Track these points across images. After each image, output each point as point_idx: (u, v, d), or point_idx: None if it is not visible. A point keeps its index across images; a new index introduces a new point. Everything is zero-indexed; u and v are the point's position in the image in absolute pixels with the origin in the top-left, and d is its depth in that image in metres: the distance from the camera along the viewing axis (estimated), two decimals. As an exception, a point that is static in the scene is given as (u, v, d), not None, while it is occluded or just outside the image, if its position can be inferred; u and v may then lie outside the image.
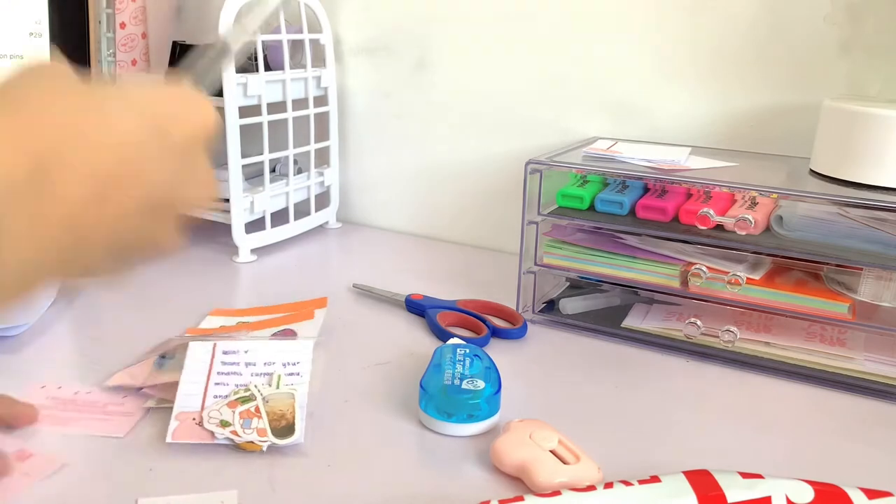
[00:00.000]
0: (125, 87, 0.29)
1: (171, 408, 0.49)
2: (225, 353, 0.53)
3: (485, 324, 0.66)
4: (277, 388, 0.50)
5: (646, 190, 0.66)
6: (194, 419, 0.48)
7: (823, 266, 0.62)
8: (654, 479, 0.41)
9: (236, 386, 0.51)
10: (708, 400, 0.57)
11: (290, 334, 0.61)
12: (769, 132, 0.75)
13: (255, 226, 0.84)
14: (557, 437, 0.47)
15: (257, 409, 0.48)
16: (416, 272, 0.81)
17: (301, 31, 0.86)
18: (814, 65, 0.71)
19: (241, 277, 0.80)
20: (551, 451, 0.46)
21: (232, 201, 0.81)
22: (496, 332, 0.66)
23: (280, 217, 0.87)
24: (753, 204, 0.62)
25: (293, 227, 0.89)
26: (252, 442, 0.46)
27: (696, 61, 0.76)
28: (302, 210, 0.91)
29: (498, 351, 0.62)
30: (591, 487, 0.41)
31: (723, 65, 0.75)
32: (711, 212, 0.61)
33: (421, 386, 0.52)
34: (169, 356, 0.55)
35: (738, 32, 0.74)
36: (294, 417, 0.48)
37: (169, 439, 0.47)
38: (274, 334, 0.61)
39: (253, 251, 0.84)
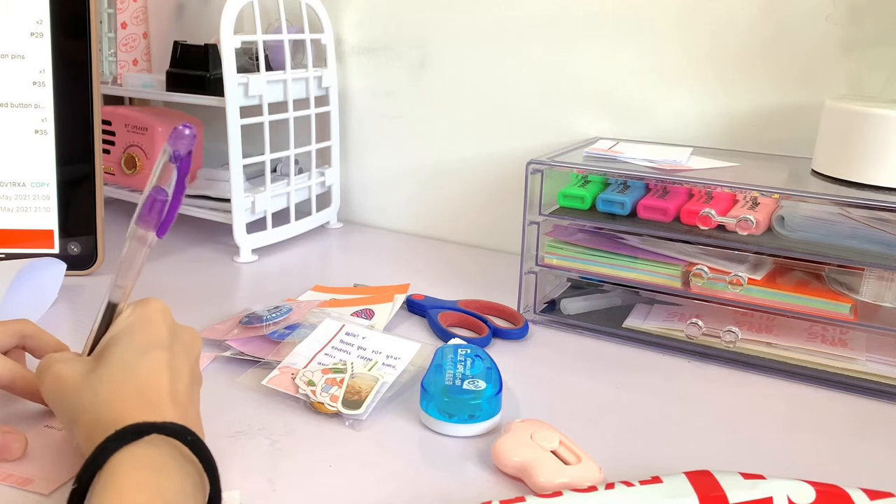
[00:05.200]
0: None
1: (244, 359, 0.59)
2: (347, 334, 0.61)
3: (486, 324, 0.66)
4: (369, 371, 0.56)
5: (647, 190, 0.66)
6: (292, 374, 0.55)
7: (825, 266, 0.62)
8: (656, 479, 0.41)
9: (340, 361, 0.57)
10: (709, 400, 0.57)
11: (369, 314, 0.67)
12: (771, 132, 0.74)
13: (256, 226, 0.84)
14: (558, 437, 0.47)
15: (341, 381, 0.54)
16: (417, 272, 0.81)
17: (302, 31, 0.86)
18: (816, 64, 0.71)
19: (242, 277, 0.80)
20: (552, 452, 0.46)
21: (233, 201, 0.81)
22: (497, 333, 0.66)
23: (281, 217, 0.87)
24: (755, 204, 0.62)
25: (294, 228, 0.89)
26: (323, 403, 0.52)
27: (698, 61, 0.76)
28: (303, 210, 0.91)
29: (499, 351, 0.62)
30: (593, 488, 0.41)
31: (724, 65, 0.75)
32: (713, 212, 0.61)
33: (422, 386, 0.52)
34: (295, 328, 0.62)
35: (739, 32, 0.74)
36: (367, 396, 0.53)
37: (265, 383, 0.55)
38: (355, 312, 0.67)
39: (254, 251, 0.84)
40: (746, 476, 0.41)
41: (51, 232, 0.75)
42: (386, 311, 0.68)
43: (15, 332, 0.51)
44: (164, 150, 0.43)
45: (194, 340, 0.48)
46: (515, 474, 0.46)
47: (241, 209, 0.82)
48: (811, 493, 0.40)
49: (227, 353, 0.60)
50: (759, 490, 0.40)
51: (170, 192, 0.44)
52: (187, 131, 0.43)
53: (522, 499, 0.40)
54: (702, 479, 0.41)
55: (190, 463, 0.38)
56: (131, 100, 1.03)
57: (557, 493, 0.41)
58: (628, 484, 0.41)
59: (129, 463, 0.36)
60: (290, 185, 0.88)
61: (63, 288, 0.69)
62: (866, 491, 0.41)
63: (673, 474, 0.41)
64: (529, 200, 0.67)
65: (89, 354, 0.46)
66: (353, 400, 0.52)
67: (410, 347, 0.59)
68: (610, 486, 0.41)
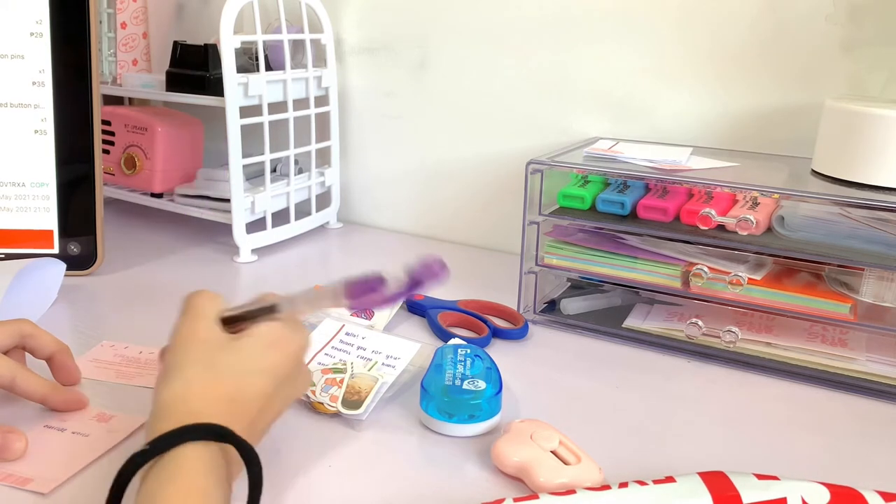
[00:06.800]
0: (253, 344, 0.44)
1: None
2: (346, 334, 0.61)
3: (486, 324, 0.66)
4: (369, 371, 0.56)
5: (647, 190, 0.66)
6: None
7: (825, 266, 0.62)
8: (669, 479, 0.41)
9: (340, 361, 0.57)
10: (709, 400, 0.57)
11: (368, 314, 0.67)
12: (771, 132, 0.74)
13: (255, 226, 0.84)
14: (558, 437, 0.47)
15: (341, 381, 0.54)
16: (416, 272, 0.81)
17: (302, 31, 0.86)
18: (816, 64, 0.71)
19: (242, 277, 0.80)
20: (552, 452, 0.46)
21: (233, 201, 0.81)
22: (497, 333, 0.66)
23: (281, 217, 0.87)
24: (755, 204, 0.62)
25: (294, 228, 0.89)
26: (322, 403, 0.52)
27: (698, 61, 0.76)
28: (303, 210, 0.91)
29: (499, 351, 0.62)
30: (606, 487, 0.41)
31: (724, 64, 0.75)
32: (713, 212, 0.61)
33: (422, 386, 0.52)
34: None
35: (739, 32, 0.74)
36: (367, 396, 0.52)
37: None
38: (354, 312, 0.67)
39: (254, 251, 0.84)
40: (760, 477, 0.41)
41: (50, 232, 0.75)
42: (386, 311, 0.68)
43: (15, 331, 0.51)
44: (410, 269, 0.44)
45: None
46: (515, 474, 0.46)
47: (241, 209, 0.82)
48: (825, 495, 0.40)
49: None
50: (772, 491, 0.40)
51: (386, 292, 0.44)
52: (437, 268, 0.43)
53: (536, 496, 0.40)
54: (715, 480, 0.41)
55: (229, 482, 0.39)
56: (131, 100, 1.03)
57: (571, 492, 0.41)
58: (642, 483, 0.41)
59: (203, 466, 0.36)
60: (290, 185, 0.88)
61: (63, 288, 0.69)
62: (882, 493, 0.40)
63: (687, 474, 0.41)
64: (529, 200, 0.67)
65: (226, 321, 0.46)
66: (353, 400, 0.52)
67: (410, 347, 0.59)
68: (623, 484, 0.41)
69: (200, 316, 0.45)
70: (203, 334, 0.44)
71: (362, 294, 0.44)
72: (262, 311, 0.46)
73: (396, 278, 0.44)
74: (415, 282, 0.44)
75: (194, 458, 0.37)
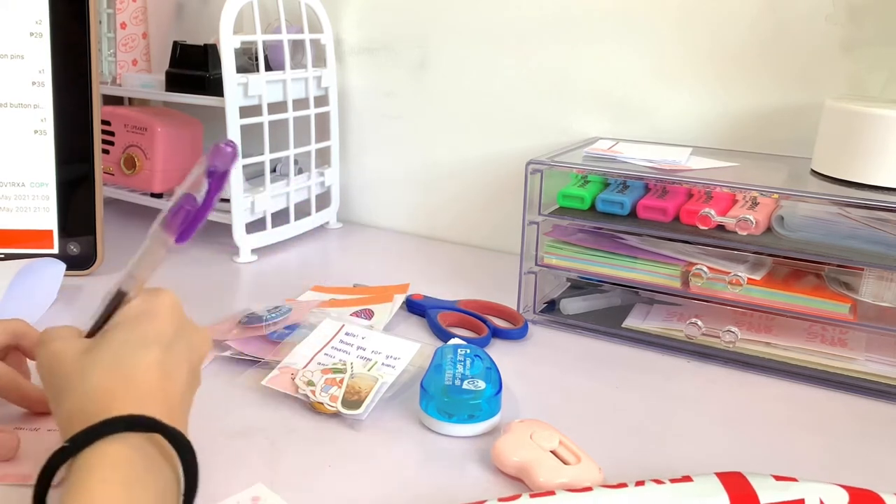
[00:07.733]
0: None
1: (244, 359, 0.59)
2: (346, 334, 0.61)
3: (485, 324, 0.66)
4: (369, 371, 0.56)
5: (647, 190, 0.66)
6: (291, 375, 0.56)
7: (825, 266, 0.62)
8: (687, 478, 0.41)
9: (340, 361, 0.57)
10: (709, 400, 0.57)
11: (368, 314, 0.67)
12: (771, 132, 0.74)
13: (255, 226, 0.84)
14: (558, 437, 0.47)
15: (341, 381, 0.54)
16: (416, 272, 0.81)
17: (302, 31, 0.86)
18: (816, 64, 0.71)
19: (242, 277, 0.80)
20: (552, 452, 0.46)
21: (233, 201, 0.81)
22: (497, 333, 0.66)
23: (281, 217, 0.87)
24: (754, 204, 0.62)
25: (294, 228, 0.89)
26: (322, 403, 0.52)
27: (698, 61, 0.76)
28: (302, 210, 0.91)
29: (499, 351, 0.62)
30: (623, 484, 0.41)
31: (724, 65, 0.75)
32: (712, 212, 0.61)
33: (422, 386, 0.52)
34: (294, 328, 0.62)
35: (739, 32, 0.74)
36: (367, 396, 0.52)
37: (265, 383, 0.55)
38: (354, 312, 0.67)
39: (254, 251, 0.84)
40: (778, 478, 0.41)
41: (50, 232, 0.75)
42: (385, 311, 0.68)
43: (5, 330, 0.51)
44: (202, 162, 0.42)
45: (203, 342, 0.46)
46: (515, 474, 0.46)
47: (241, 209, 0.82)
48: (844, 497, 0.40)
49: (227, 354, 0.60)
50: (790, 492, 0.40)
51: (198, 202, 0.43)
52: (228, 149, 0.42)
53: (553, 492, 0.41)
54: (733, 480, 0.41)
55: (169, 466, 0.37)
56: (131, 100, 1.03)
57: (588, 489, 0.41)
58: (658, 482, 0.41)
59: (100, 474, 0.34)
60: (290, 185, 0.88)
61: (62, 288, 0.69)
62: None
63: (704, 474, 0.41)
64: (529, 200, 0.67)
65: (89, 335, 0.45)
66: (353, 400, 0.52)
67: (410, 347, 0.59)
68: (640, 483, 0.41)
69: (55, 339, 0.43)
70: (65, 350, 0.42)
71: (175, 218, 0.43)
72: (112, 305, 0.45)
73: (196, 180, 0.43)
74: (213, 173, 0.42)
75: (95, 471, 0.34)
